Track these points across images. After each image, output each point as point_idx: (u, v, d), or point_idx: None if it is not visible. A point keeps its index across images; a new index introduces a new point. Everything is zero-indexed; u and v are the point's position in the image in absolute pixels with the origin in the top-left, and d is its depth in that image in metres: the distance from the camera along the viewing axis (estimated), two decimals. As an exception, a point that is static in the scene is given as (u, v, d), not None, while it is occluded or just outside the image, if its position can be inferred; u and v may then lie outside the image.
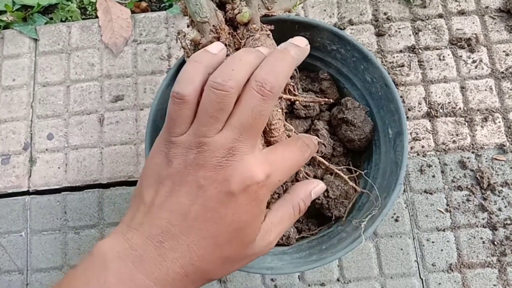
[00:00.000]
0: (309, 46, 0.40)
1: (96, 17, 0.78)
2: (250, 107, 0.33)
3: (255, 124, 0.33)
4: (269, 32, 0.46)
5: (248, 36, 0.45)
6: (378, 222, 0.44)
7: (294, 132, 0.46)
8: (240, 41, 0.45)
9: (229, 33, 0.44)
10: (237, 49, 0.46)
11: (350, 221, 0.49)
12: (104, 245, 0.32)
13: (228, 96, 0.33)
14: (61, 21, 0.79)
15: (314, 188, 0.43)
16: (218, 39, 0.43)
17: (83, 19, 0.79)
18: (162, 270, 0.31)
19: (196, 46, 0.45)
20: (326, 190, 0.50)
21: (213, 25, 0.43)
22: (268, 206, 0.40)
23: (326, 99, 0.48)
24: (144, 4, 0.79)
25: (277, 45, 0.47)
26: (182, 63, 0.49)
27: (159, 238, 0.32)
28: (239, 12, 0.44)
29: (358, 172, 0.52)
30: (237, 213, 0.33)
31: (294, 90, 0.46)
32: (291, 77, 0.46)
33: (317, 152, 0.50)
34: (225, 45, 0.44)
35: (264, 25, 0.46)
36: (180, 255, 0.32)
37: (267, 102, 0.34)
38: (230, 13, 0.45)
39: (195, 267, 0.32)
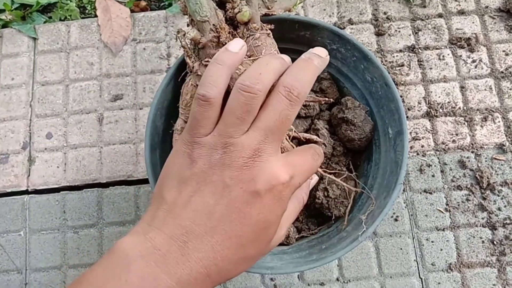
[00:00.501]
0: (329, 56, 0.41)
1: (95, 16, 0.78)
2: (278, 110, 0.34)
3: (281, 127, 0.34)
4: (269, 31, 0.46)
5: (248, 35, 0.45)
6: (378, 222, 0.44)
7: (294, 131, 0.46)
8: None
9: (229, 32, 0.44)
10: None
11: (350, 221, 0.49)
12: (125, 244, 0.32)
13: (255, 99, 0.34)
14: (60, 20, 0.79)
15: (311, 180, 0.44)
16: (218, 38, 0.43)
17: (82, 18, 0.79)
18: (185, 270, 0.31)
19: (196, 45, 0.45)
20: (326, 190, 0.50)
21: (213, 24, 0.43)
22: None
23: (326, 99, 0.48)
24: (143, 3, 0.79)
25: (277, 44, 0.47)
26: (181, 62, 0.49)
27: (183, 238, 0.32)
28: (239, 11, 0.44)
29: (354, 173, 0.52)
30: (262, 213, 0.33)
31: None
32: None
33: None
34: (225, 44, 0.44)
35: (264, 25, 0.46)
36: (204, 255, 0.32)
37: (294, 107, 0.35)
38: (230, 12, 0.45)
39: (218, 268, 0.32)
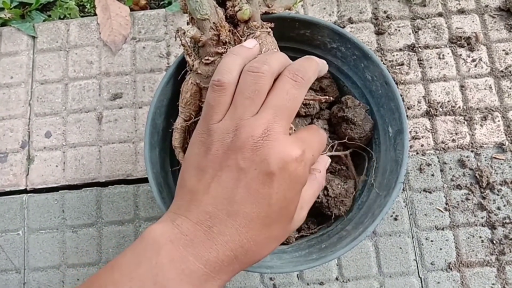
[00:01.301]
0: (327, 66, 0.44)
1: (95, 14, 0.77)
2: (285, 89, 0.35)
3: (289, 106, 0.35)
4: (269, 29, 0.46)
5: (248, 33, 0.44)
6: (379, 221, 0.44)
7: (294, 130, 0.46)
8: (241, 38, 0.45)
9: (229, 31, 0.44)
10: None
11: (350, 220, 0.49)
12: (155, 230, 0.33)
13: (263, 78, 0.35)
14: (60, 18, 0.79)
15: (326, 164, 0.45)
16: (218, 36, 0.43)
17: (82, 16, 0.79)
18: (212, 253, 0.32)
19: (196, 43, 0.45)
20: (326, 189, 0.50)
21: (213, 22, 0.43)
22: None
23: (326, 97, 0.48)
24: (143, 1, 0.79)
25: (277, 42, 0.47)
26: (181, 60, 0.49)
27: (208, 223, 0.33)
28: (239, 10, 0.44)
29: (354, 172, 0.52)
30: (280, 192, 0.33)
31: None
32: None
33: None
34: (226, 42, 0.44)
35: (265, 23, 0.46)
36: (229, 238, 0.33)
37: (300, 88, 0.36)
38: (230, 10, 0.45)
39: (245, 249, 0.33)
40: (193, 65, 0.45)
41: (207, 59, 0.44)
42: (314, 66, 0.39)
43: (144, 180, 0.69)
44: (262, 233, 0.34)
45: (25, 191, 0.70)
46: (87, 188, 0.69)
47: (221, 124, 0.35)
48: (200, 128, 0.37)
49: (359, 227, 0.45)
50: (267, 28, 0.45)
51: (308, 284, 0.63)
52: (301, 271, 0.64)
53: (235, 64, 0.37)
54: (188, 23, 0.46)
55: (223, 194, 0.33)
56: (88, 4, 0.79)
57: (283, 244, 0.52)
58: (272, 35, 0.46)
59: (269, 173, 0.33)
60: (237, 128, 0.34)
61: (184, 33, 0.44)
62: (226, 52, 0.44)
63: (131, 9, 0.78)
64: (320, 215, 0.54)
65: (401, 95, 0.68)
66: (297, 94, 0.36)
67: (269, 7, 0.49)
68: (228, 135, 0.34)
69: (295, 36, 0.53)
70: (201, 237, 0.32)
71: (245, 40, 0.44)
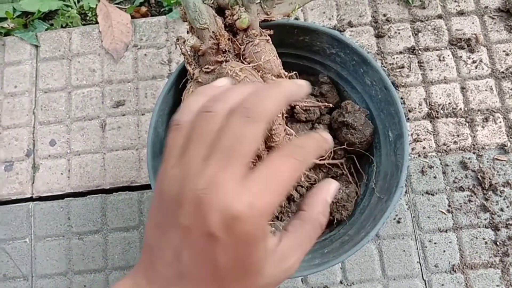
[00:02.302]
0: (308, 87, 0.36)
1: (96, 22, 0.78)
2: (232, 129, 0.30)
3: (237, 148, 0.29)
4: (268, 37, 0.46)
5: (247, 41, 0.45)
6: (380, 225, 0.44)
7: (295, 136, 0.46)
8: (240, 46, 0.46)
9: (228, 39, 0.45)
10: (236, 55, 0.46)
11: (352, 224, 0.49)
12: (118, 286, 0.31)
13: (212, 118, 0.30)
14: (62, 27, 0.80)
15: (330, 192, 0.37)
16: (217, 45, 0.44)
17: (84, 24, 0.80)
18: None
19: (196, 52, 0.45)
20: None
21: (213, 31, 0.44)
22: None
23: (326, 103, 0.48)
24: (144, 9, 0.80)
25: (276, 49, 0.47)
26: (182, 69, 0.49)
27: (163, 283, 0.30)
28: (238, 18, 0.45)
29: (355, 177, 0.52)
30: (228, 254, 0.29)
31: None
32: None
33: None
34: (225, 51, 0.44)
35: (264, 30, 0.46)
36: None
37: (250, 125, 0.30)
38: (229, 19, 0.46)
39: None
40: (193, 74, 0.45)
41: (207, 68, 0.45)
42: (277, 93, 0.32)
43: (148, 187, 0.70)
44: None
45: (31, 199, 0.71)
46: (92, 195, 0.70)
47: (170, 171, 0.31)
48: (160, 171, 0.33)
49: (361, 231, 0.46)
50: (266, 36, 0.46)
51: (312, 287, 0.64)
52: (304, 276, 0.64)
53: (196, 103, 0.32)
54: (188, 32, 0.47)
55: (172, 254, 0.29)
56: (90, 13, 0.80)
57: None
58: (271, 42, 0.47)
59: (209, 236, 0.28)
60: (182, 178, 0.29)
61: (184, 42, 0.45)
62: (226, 60, 0.44)
63: (132, 17, 0.78)
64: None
65: (402, 98, 0.68)
66: (247, 132, 0.29)
67: (267, 14, 0.50)
68: (174, 185, 0.30)
69: (294, 42, 0.54)
70: None
71: (244, 49, 0.45)
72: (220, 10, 0.47)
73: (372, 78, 0.51)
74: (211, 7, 0.45)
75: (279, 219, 0.54)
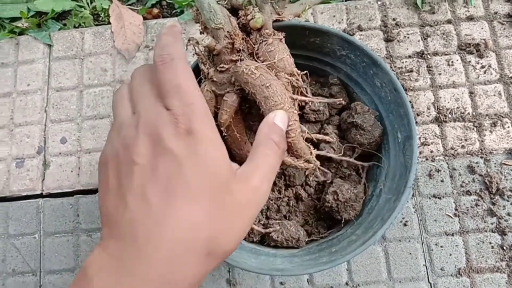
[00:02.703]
0: (178, 25, 0.39)
1: (109, 23, 0.79)
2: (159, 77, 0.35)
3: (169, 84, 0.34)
4: (281, 36, 0.47)
5: (261, 41, 0.46)
6: (388, 225, 0.44)
7: (307, 133, 0.47)
8: (254, 46, 0.46)
9: (242, 39, 0.45)
10: (250, 54, 0.46)
11: (360, 224, 0.49)
12: (87, 261, 0.30)
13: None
14: (75, 27, 0.81)
15: (274, 117, 0.40)
16: (232, 44, 0.44)
17: (96, 25, 0.81)
18: (142, 266, 0.29)
19: (211, 52, 0.46)
20: (336, 193, 0.51)
21: (227, 31, 0.44)
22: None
23: (338, 99, 0.49)
24: (156, 10, 0.81)
25: (290, 50, 0.48)
26: (195, 67, 0.50)
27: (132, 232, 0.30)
28: (252, 18, 0.45)
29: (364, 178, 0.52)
30: (193, 172, 0.31)
31: (306, 92, 0.47)
32: (303, 81, 0.47)
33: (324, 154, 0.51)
34: (240, 50, 0.45)
35: (276, 31, 0.47)
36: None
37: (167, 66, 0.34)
38: (243, 19, 0.46)
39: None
40: (208, 73, 0.46)
41: (222, 67, 0.45)
42: (162, 39, 0.36)
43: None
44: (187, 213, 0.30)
45: (41, 196, 0.71)
46: (101, 193, 0.70)
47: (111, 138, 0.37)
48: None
49: (369, 231, 0.46)
50: (279, 35, 0.47)
51: (318, 288, 0.64)
52: (311, 274, 0.65)
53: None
54: (201, 33, 0.47)
55: (139, 197, 0.31)
56: (103, 13, 0.81)
57: (293, 248, 0.52)
58: (284, 42, 0.47)
59: (170, 151, 0.32)
60: (118, 133, 0.35)
61: (196, 42, 0.45)
62: (241, 59, 0.45)
63: (144, 18, 0.79)
64: (330, 220, 0.54)
65: (410, 102, 0.69)
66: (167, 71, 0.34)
67: (279, 14, 0.50)
68: (117, 143, 0.35)
69: (305, 44, 0.54)
70: (129, 251, 0.29)
71: (257, 48, 0.46)
72: (234, 11, 0.47)
73: (382, 80, 0.51)
74: (225, 7, 0.46)
75: (287, 218, 0.55)
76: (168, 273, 0.29)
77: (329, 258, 0.46)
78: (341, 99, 0.49)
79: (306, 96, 0.47)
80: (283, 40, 0.47)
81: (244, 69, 0.42)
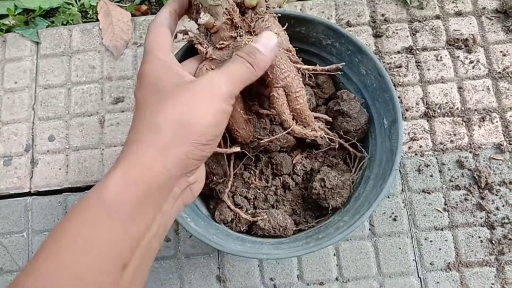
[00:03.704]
0: None
1: (97, 20, 0.79)
2: None
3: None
4: (275, 15, 0.47)
5: (257, 18, 0.45)
6: (375, 207, 0.45)
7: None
8: (250, 23, 0.46)
9: (239, 16, 0.45)
10: (247, 32, 0.46)
11: (347, 211, 0.49)
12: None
13: None
14: (62, 24, 0.80)
15: (257, 39, 0.42)
16: (231, 20, 0.44)
17: (84, 22, 0.80)
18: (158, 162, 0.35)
19: (208, 30, 0.45)
20: (323, 180, 0.51)
21: (226, 8, 0.44)
22: None
23: (337, 65, 0.49)
24: (144, 7, 0.80)
25: None
26: (183, 54, 0.50)
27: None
28: None
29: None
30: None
31: (301, 67, 0.47)
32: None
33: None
34: (238, 26, 0.45)
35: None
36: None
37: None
38: None
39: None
40: (206, 52, 0.45)
41: (222, 44, 0.45)
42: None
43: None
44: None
45: (29, 194, 0.71)
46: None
47: None
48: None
49: (356, 217, 0.46)
50: (273, 13, 0.47)
51: (308, 284, 0.64)
52: (297, 256, 0.65)
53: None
54: (190, 20, 0.47)
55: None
56: (91, 10, 0.80)
57: (281, 237, 0.52)
58: (277, 20, 0.47)
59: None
60: None
61: (186, 33, 0.45)
62: (240, 35, 0.45)
63: (133, 15, 0.79)
64: (318, 210, 0.54)
65: (399, 97, 0.69)
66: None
67: (266, 1, 0.50)
68: None
69: (291, 34, 0.54)
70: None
71: (254, 26, 0.46)
72: None
73: (366, 67, 0.52)
74: None
75: (275, 207, 0.55)
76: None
77: (316, 243, 0.46)
78: (339, 65, 0.49)
79: (296, 62, 0.47)
80: (276, 18, 0.47)
81: (247, 42, 0.42)
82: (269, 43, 0.42)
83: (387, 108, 0.50)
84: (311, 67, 0.47)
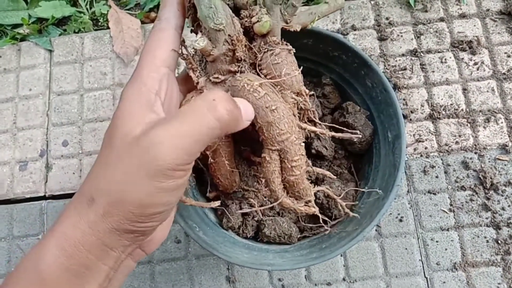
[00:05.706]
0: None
1: (108, 28, 0.81)
2: None
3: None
4: (290, 47, 0.40)
5: (266, 50, 0.38)
6: (376, 222, 0.46)
7: (310, 166, 0.41)
8: (257, 55, 0.39)
9: (245, 46, 0.37)
10: (251, 65, 0.39)
11: (350, 221, 0.50)
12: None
13: None
14: (75, 32, 0.82)
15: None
16: (233, 52, 0.37)
17: (95, 30, 0.83)
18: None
19: (205, 57, 0.38)
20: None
21: (229, 35, 0.36)
22: None
23: (355, 135, 0.42)
24: (153, 14, 0.82)
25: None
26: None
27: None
28: (258, 21, 0.37)
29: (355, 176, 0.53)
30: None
31: (314, 117, 0.42)
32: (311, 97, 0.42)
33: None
34: (240, 59, 0.38)
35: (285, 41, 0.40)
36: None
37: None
38: (246, 21, 0.38)
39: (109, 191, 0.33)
40: (197, 83, 0.39)
41: (217, 77, 0.37)
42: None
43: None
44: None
45: (44, 198, 0.73)
46: (103, 194, 0.72)
47: None
48: None
49: (358, 228, 0.47)
50: (288, 45, 0.39)
51: (316, 284, 0.65)
52: (301, 268, 0.66)
53: None
54: (192, 31, 0.39)
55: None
56: (101, 18, 0.83)
57: (286, 244, 0.54)
58: (293, 54, 0.40)
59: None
60: None
61: (183, 43, 0.38)
62: (241, 71, 0.37)
63: (142, 22, 0.81)
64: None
65: (404, 99, 0.70)
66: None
67: (287, 23, 0.41)
68: None
69: (298, 45, 0.55)
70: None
71: (261, 58, 0.38)
72: (236, 10, 0.38)
73: (372, 80, 0.53)
74: (227, 4, 0.37)
75: (280, 214, 0.56)
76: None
77: (319, 254, 0.47)
78: (358, 134, 0.43)
79: (315, 122, 0.41)
80: (292, 52, 0.40)
81: (246, 85, 0.35)
82: (248, 109, 0.35)
83: (391, 122, 0.51)
84: (318, 130, 0.41)
